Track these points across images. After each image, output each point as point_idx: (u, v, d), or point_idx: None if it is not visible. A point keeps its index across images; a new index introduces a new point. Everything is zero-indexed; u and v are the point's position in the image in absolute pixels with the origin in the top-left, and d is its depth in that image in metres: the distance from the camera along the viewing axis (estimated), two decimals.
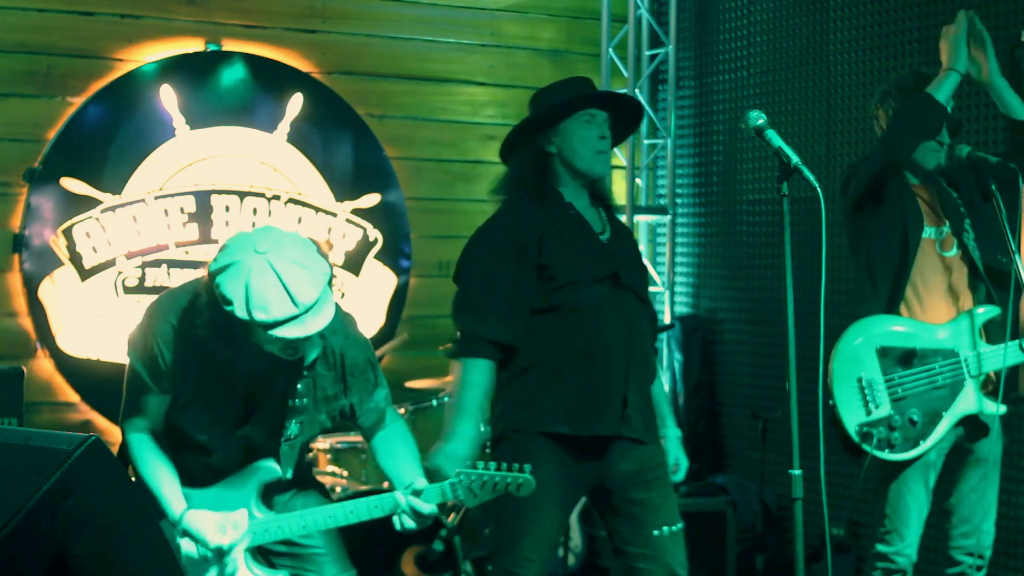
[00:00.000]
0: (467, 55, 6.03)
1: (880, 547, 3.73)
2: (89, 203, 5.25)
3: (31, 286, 5.19)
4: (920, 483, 3.69)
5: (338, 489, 4.56)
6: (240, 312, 2.92)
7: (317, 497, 3.39)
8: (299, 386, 3.19)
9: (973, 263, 3.72)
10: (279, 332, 2.93)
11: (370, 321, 5.73)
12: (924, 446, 3.64)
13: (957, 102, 4.60)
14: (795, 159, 2.78)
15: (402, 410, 4.77)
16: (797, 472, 2.79)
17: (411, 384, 5.18)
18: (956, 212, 3.76)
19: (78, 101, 5.26)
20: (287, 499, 3.31)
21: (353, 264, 5.74)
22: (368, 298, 5.69)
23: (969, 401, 3.65)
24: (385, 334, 5.79)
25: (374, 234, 5.76)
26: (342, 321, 3.24)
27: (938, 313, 3.72)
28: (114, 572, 2.15)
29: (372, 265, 5.76)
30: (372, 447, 3.39)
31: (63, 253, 5.21)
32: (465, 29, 6.01)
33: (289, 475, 3.27)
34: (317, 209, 5.64)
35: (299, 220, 5.60)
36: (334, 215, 5.68)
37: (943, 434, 3.65)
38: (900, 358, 3.61)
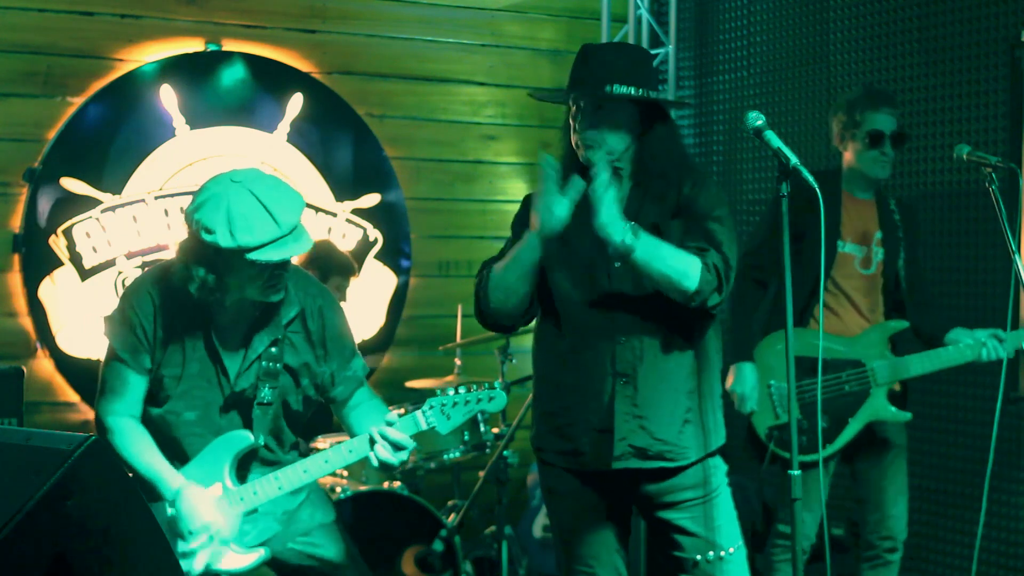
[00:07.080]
0: (467, 55, 6.03)
1: (782, 527, 4.12)
2: (89, 203, 5.25)
3: (31, 286, 5.18)
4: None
5: (338, 490, 4.55)
6: (224, 240, 2.91)
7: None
8: (273, 349, 3.15)
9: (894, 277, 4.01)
10: (264, 255, 2.91)
11: (370, 321, 5.73)
12: (830, 449, 3.91)
13: (958, 102, 4.61)
14: (794, 160, 2.78)
15: (402, 410, 4.76)
16: (797, 472, 2.80)
17: (411, 384, 5.18)
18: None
19: (78, 101, 5.26)
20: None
21: None
22: (368, 298, 5.69)
23: (875, 408, 3.89)
24: (385, 334, 5.79)
25: (374, 234, 5.76)
26: (318, 285, 3.25)
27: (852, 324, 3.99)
28: (114, 572, 2.15)
29: (372, 265, 5.76)
30: (349, 419, 3.34)
31: (63, 253, 5.20)
32: (465, 29, 6.01)
33: (261, 441, 3.21)
34: (317, 209, 5.64)
35: None
36: (334, 215, 5.68)
37: (849, 438, 3.90)
38: (811, 368, 3.74)
